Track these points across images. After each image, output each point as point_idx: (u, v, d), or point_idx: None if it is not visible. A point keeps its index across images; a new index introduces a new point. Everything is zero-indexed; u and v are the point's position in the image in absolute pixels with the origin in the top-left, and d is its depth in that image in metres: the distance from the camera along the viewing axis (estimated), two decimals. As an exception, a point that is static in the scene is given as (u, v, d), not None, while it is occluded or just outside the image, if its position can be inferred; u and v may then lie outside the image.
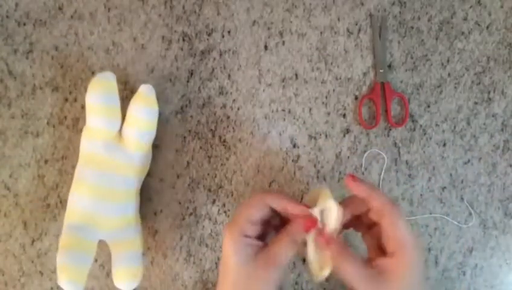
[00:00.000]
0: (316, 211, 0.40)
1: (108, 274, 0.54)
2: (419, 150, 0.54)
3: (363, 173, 0.54)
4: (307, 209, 0.40)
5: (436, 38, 0.55)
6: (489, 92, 0.55)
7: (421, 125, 0.55)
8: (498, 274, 0.54)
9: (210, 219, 0.54)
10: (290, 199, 0.41)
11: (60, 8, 0.55)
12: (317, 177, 0.54)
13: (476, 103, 0.55)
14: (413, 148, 0.54)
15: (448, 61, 0.55)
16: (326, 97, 0.55)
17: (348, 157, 0.54)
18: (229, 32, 0.55)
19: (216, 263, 0.54)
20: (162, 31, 0.55)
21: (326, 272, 0.39)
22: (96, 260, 0.54)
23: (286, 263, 0.39)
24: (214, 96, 0.55)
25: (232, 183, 0.55)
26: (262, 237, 0.42)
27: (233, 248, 0.39)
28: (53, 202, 0.54)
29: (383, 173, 0.54)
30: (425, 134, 0.55)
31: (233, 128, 0.55)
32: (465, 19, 0.55)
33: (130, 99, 0.51)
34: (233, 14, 0.55)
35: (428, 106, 0.55)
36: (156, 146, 0.54)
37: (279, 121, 0.55)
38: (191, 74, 0.55)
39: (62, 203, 0.54)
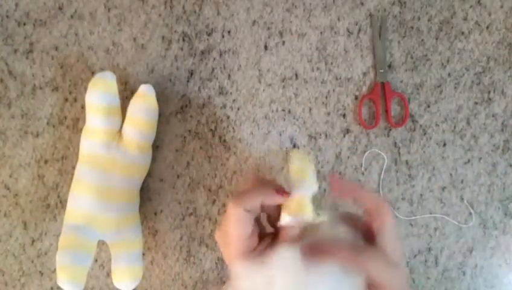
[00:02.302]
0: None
1: (108, 274, 0.54)
2: (419, 150, 0.54)
3: (363, 173, 0.54)
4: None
5: (436, 38, 0.55)
6: (489, 92, 0.55)
7: (421, 125, 0.55)
8: (498, 274, 0.54)
9: (210, 219, 0.54)
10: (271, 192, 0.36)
11: (60, 8, 0.55)
12: (317, 177, 0.54)
13: (476, 103, 0.55)
14: (413, 148, 0.54)
15: (448, 61, 0.55)
16: (326, 97, 0.55)
17: (348, 157, 0.54)
18: (229, 32, 0.55)
19: (216, 263, 0.54)
20: (162, 31, 0.55)
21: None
22: (96, 260, 0.54)
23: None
24: (214, 96, 0.55)
25: (232, 183, 0.55)
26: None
27: (245, 267, 0.35)
28: (53, 202, 0.54)
29: (383, 173, 0.54)
30: (425, 134, 0.55)
31: (233, 128, 0.55)
32: (465, 19, 0.55)
33: (130, 99, 0.51)
34: (233, 14, 0.55)
35: (428, 106, 0.55)
36: (156, 146, 0.54)
37: (279, 121, 0.55)
38: (191, 74, 0.55)
39: (62, 203, 0.54)
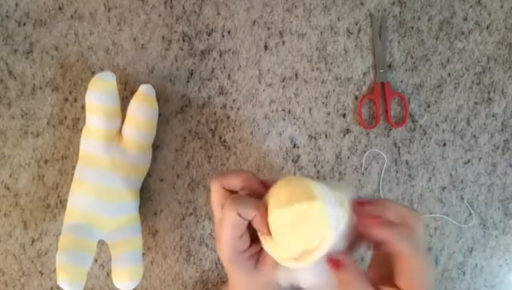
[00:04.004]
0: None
1: (108, 274, 0.54)
2: (419, 150, 0.54)
3: (363, 173, 0.54)
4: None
5: (436, 38, 0.55)
6: (489, 92, 0.55)
7: (421, 125, 0.55)
8: (498, 274, 0.54)
9: (210, 219, 0.54)
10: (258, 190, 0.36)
11: (60, 8, 0.55)
12: (317, 177, 0.54)
13: (476, 103, 0.55)
14: (413, 148, 0.55)
15: (448, 61, 0.55)
16: (326, 97, 0.55)
17: (348, 157, 0.54)
18: (229, 32, 0.55)
19: (216, 263, 0.54)
20: (162, 31, 0.55)
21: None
22: (96, 260, 0.54)
23: None
24: (214, 96, 0.55)
25: (232, 183, 0.54)
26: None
27: (235, 268, 0.37)
28: (53, 202, 0.54)
29: (383, 173, 0.54)
30: (425, 134, 0.55)
31: (233, 128, 0.55)
32: (465, 19, 0.55)
33: (130, 100, 0.51)
34: (233, 14, 0.55)
35: (428, 106, 0.55)
36: (156, 146, 0.54)
37: (279, 121, 0.55)
38: (191, 74, 0.55)
39: (62, 203, 0.54)
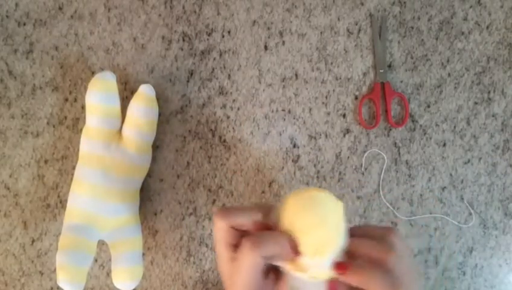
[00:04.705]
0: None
1: (108, 274, 0.54)
2: (419, 150, 0.54)
3: (363, 173, 0.54)
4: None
5: (436, 38, 0.55)
6: (489, 92, 0.55)
7: (421, 125, 0.55)
8: (498, 274, 0.54)
9: (210, 219, 0.54)
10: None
11: (60, 8, 0.55)
12: (317, 177, 0.54)
13: (476, 103, 0.55)
14: (413, 148, 0.55)
15: (448, 61, 0.55)
16: (326, 97, 0.55)
17: (348, 157, 0.54)
18: (229, 32, 0.55)
19: (216, 263, 0.54)
20: (162, 31, 0.55)
21: None
22: (96, 260, 0.54)
23: None
24: (214, 96, 0.55)
25: (232, 183, 0.55)
26: None
27: None
28: (53, 202, 0.54)
29: (383, 173, 0.54)
30: (425, 134, 0.55)
31: (233, 128, 0.55)
32: (465, 19, 0.55)
33: (130, 100, 0.51)
34: (233, 14, 0.55)
35: (428, 106, 0.55)
36: (156, 146, 0.54)
37: (279, 121, 0.55)
38: (191, 74, 0.55)
39: (62, 203, 0.54)
